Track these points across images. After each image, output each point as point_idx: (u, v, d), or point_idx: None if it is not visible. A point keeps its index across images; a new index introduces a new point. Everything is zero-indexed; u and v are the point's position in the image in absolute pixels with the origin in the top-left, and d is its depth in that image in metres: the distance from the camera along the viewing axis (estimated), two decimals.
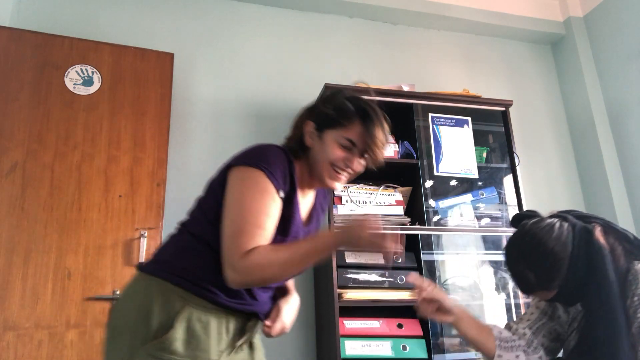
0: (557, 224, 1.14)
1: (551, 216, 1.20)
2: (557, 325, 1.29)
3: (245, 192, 1.03)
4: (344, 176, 1.13)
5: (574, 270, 1.10)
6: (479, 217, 2.38)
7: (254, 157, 1.07)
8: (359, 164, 1.13)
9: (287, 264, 1.00)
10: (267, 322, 1.13)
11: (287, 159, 1.10)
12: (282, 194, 1.06)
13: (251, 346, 1.15)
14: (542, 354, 1.24)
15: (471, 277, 2.30)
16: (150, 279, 1.03)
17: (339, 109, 1.12)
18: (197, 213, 1.12)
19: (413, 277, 1.26)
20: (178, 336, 0.97)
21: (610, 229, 1.19)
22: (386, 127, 1.12)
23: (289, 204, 1.09)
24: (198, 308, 1.01)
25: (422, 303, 1.24)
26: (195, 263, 1.04)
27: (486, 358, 1.25)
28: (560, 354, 1.29)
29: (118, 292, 1.92)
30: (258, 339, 1.19)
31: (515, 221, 1.25)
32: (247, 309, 1.08)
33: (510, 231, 2.32)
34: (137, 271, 1.08)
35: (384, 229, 1.00)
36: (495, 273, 2.37)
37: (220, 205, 1.05)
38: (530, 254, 1.14)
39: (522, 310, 2.31)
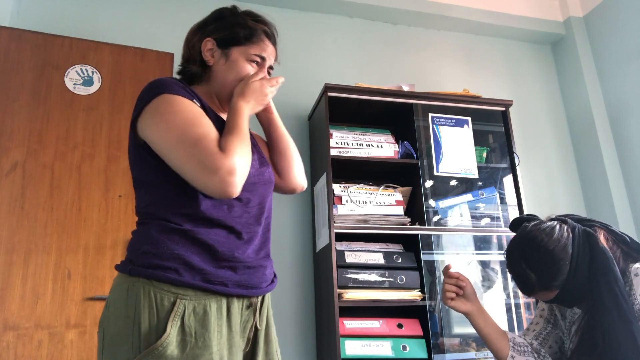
0: (557, 227, 1.17)
1: (550, 219, 1.21)
2: (561, 333, 1.30)
3: (165, 117, 0.95)
4: None
5: (576, 272, 1.11)
6: (479, 217, 2.38)
7: (144, 96, 0.99)
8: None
9: (245, 143, 0.97)
10: None
11: (181, 82, 1.05)
12: (197, 103, 1.01)
13: (257, 335, 1.06)
14: None
15: (471, 277, 2.30)
16: (130, 280, 0.93)
17: (245, 26, 1.11)
18: (142, 194, 1.03)
19: (448, 265, 1.35)
20: (171, 339, 0.88)
21: (610, 232, 1.21)
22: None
23: (219, 123, 1.04)
24: (192, 298, 0.92)
25: (448, 286, 1.30)
26: (169, 246, 0.94)
27: (496, 358, 1.27)
28: None
29: None
30: (272, 329, 1.12)
31: (515, 225, 1.27)
32: (238, 279, 0.99)
33: (510, 231, 2.33)
34: (117, 272, 0.99)
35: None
36: (496, 273, 2.37)
37: (150, 167, 0.99)
38: (531, 254, 1.16)
39: (522, 310, 2.31)
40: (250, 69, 1.10)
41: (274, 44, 1.17)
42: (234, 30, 1.10)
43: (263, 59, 1.13)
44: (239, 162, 0.92)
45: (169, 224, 0.96)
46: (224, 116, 1.13)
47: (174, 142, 0.93)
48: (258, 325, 1.06)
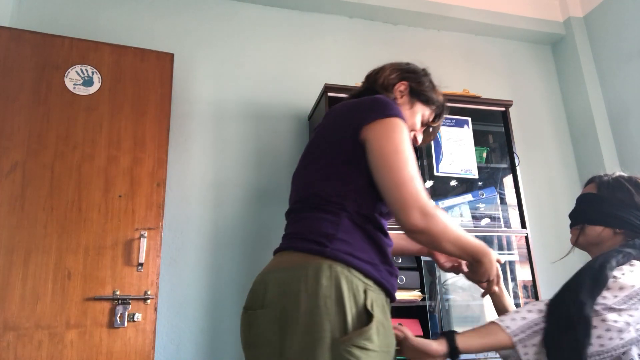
0: None
1: None
2: None
3: (402, 142, 1.03)
4: None
5: (617, 218, 1.18)
6: (478, 217, 2.38)
7: (391, 108, 1.08)
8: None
9: (457, 238, 1.04)
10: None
11: None
12: None
13: None
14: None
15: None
16: (327, 262, 0.96)
17: (432, 91, 1.27)
18: (337, 184, 1.06)
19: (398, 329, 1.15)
20: (375, 325, 0.93)
21: None
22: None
23: None
24: (374, 290, 0.98)
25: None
26: (358, 239, 1.02)
27: (506, 347, 1.18)
28: None
29: (118, 292, 1.92)
30: None
31: None
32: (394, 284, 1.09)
33: (510, 231, 2.33)
34: (309, 255, 0.98)
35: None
36: None
37: (360, 167, 1.05)
38: (623, 178, 1.24)
39: None
40: (419, 125, 1.27)
41: (438, 115, 1.32)
42: (426, 89, 1.26)
43: (426, 123, 1.29)
44: (434, 226, 0.98)
45: (355, 219, 1.03)
46: None
47: (398, 161, 1.01)
48: None
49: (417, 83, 1.25)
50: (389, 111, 1.06)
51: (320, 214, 1.04)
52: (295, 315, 0.92)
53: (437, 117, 1.31)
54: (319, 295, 0.92)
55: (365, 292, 0.95)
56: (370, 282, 0.98)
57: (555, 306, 1.10)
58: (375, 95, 1.13)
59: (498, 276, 1.18)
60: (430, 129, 1.33)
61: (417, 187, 0.99)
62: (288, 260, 1.01)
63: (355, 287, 0.94)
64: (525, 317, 1.11)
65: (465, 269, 1.28)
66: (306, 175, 1.13)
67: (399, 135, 1.04)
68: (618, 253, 1.15)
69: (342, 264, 0.96)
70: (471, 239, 1.07)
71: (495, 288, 1.21)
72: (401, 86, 1.24)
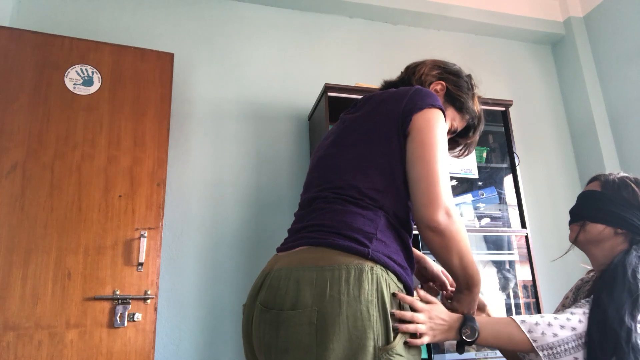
0: None
1: None
2: None
3: (442, 136, 0.99)
4: None
5: (619, 217, 1.18)
6: (479, 217, 2.38)
7: (436, 99, 1.03)
8: None
9: (466, 254, 0.97)
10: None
11: None
12: None
13: None
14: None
15: None
16: (368, 264, 0.90)
17: (467, 99, 1.18)
18: (373, 176, 1.00)
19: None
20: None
21: None
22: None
23: None
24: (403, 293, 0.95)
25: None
26: (392, 240, 0.97)
27: (523, 350, 1.10)
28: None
29: (118, 292, 1.92)
30: None
31: None
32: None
33: (510, 231, 2.33)
34: (348, 255, 0.91)
35: None
36: (496, 273, 2.37)
37: (400, 163, 0.99)
38: (629, 178, 1.23)
39: (522, 310, 2.31)
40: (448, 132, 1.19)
41: (473, 128, 1.24)
42: (463, 95, 1.17)
43: (455, 131, 1.22)
44: (453, 230, 0.94)
45: (391, 219, 0.99)
46: None
47: (434, 161, 0.95)
48: None
49: (456, 87, 1.17)
50: (434, 101, 1.01)
51: (356, 209, 0.97)
52: (336, 321, 0.85)
53: (473, 130, 1.23)
54: (361, 301, 0.87)
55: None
56: (401, 286, 0.95)
57: (597, 327, 1.05)
58: (415, 86, 1.07)
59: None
60: (462, 144, 1.25)
61: (448, 185, 0.95)
62: (321, 258, 0.91)
63: (391, 292, 0.91)
64: (556, 333, 1.05)
65: (440, 291, 1.21)
66: (340, 161, 1.04)
67: (441, 128, 0.99)
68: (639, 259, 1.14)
69: (382, 266, 0.91)
70: (474, 263, 1.01)
71: (484, 315, 1.17)
72: (437, 85, 1.17)
